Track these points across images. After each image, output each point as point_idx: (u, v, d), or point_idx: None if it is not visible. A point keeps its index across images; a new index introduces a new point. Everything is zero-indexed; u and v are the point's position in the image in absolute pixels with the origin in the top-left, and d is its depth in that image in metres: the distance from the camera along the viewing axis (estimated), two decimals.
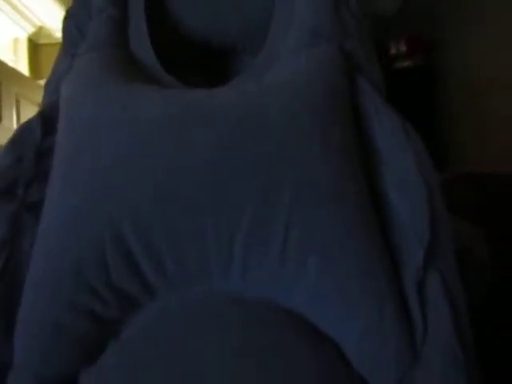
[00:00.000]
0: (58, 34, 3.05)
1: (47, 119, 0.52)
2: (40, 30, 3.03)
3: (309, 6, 0.57)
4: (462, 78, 2.11)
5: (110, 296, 0.42)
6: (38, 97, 2.70)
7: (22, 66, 2.92)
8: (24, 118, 2.54)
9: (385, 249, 0.44)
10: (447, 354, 0.41)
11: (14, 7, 2.74)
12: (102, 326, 0.43)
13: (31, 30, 2.99)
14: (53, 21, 2.99)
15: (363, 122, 0.51)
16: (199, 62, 0.64)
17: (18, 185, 0.49)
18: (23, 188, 0.48)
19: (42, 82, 2.69)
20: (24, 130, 0.53)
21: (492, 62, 1.88)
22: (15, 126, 2.44)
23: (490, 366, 0.45)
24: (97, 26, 0.58)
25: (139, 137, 0.44)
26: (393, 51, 2.20)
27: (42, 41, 3.09)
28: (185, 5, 0.61)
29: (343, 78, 0.51)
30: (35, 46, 3.07)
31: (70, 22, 0.64)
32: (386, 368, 0.42)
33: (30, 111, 2.63)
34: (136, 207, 0.42)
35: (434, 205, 0.46)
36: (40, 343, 0.42)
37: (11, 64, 2.68)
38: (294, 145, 0.44)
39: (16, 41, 2.92)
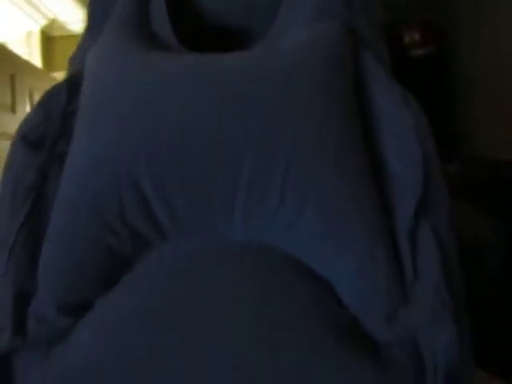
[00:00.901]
0: (70, 26, 3.07)
1: (72, 85, 0.57)
2: (53, 23, 3.05)
3: None
4: (475, 65, 2.09)
5: (124, 233, 0.47)
6: None
7: (35, 58, 2.94)
8: None
9: (379, 197, 0.48)
10: (435, 295, 0.44)
11: (27, 0, 2.76)
12: (117, 260, 0.47)
13: (44, 22, 3.01)
14: (65, 13, 3.01)
15: (365, 90, 0.54)
16: (216, 44, 0.66)
17: (47, 138, 0.54)
18: (51, 141, 0.53)
19: (56, 75, 2.72)
20: (52, 93, 0.57)
21: (506, 50, 1.85)
22: None
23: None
24: (121, 6, 0.62)
25: (156, 93, 0.49)
26: (406, 39, 2.18)
27: (55, 33, 3.11)
28: None
29: (344, 50, 0.54)
30: (48, 39, 3.09)
31: (96, 2, 0.67)
32: (376, 306, 0.45)
33: None
34: (151, 156, 0.46)
35: (430, 167, 0.49)
36: (62, 271, 0.47)
37: (25, 57, 2.71)
38: (294, 101, 0.48)
39: (29, 34, 2.95)
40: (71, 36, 3.12)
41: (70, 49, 2.86)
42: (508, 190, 1.20)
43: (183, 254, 0.47)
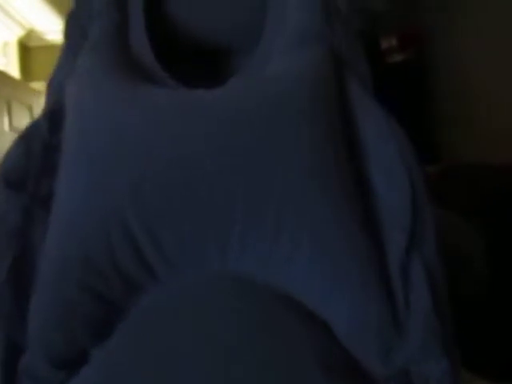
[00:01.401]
0: (48, 36, 3.04)
1: (54, 117, 0.54)
2: (30, 33, 3.01)
3: (298, 6, 0.60)
4: (453, 72, 2.13)
5: (115, 278, 0.45)
6: (29, 99, 2.69)
7: (13, 69, 2.90)
8: (16, 121, 2.54)
9: (370, 234, 0.48)
10: (426, 329, 0.45)
11: (4, 10, 2.72)
12: (109, 307, 0.46)
13: (21, 32, 2.97)
14: (43, 23, 2.98)
15: (349, 115, 0.53)
16: (196, 60, 0.66)
17: (29, 178, 0.51)
18: (33, 181, 0.51)
19: (33, 85, 2.69)
20: (32, 126, 0.55)
21: (484, 55, 1.89)
22: (7, 128, 2.44)
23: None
24: (98, 27, 0.60)
25: (141, 131, 0.47)
26: (384, 46, 2.21)
27: (33, 43, 3.07)
28: (180, 4, 0.65)
29: (329, 77, 0.54)
30: (26, 49, 3.06)
31: (72, 22, 0.65)
32: (370, 343, 0.45)
33: (21, 114, 2.62)
34: (138, 195, 0.45)
35: (417, 193, 0.49)
36: (52, 319, 0.45)
37: (1, 67, 2.67)
38: (283, 134, 0.47)
39: (6, 44, 2.91)
40: (49, 46, 3.09)
41: (48, 59, 2.82)
42: (489, 193, 1.22)
43: (176, 295, 0.46)
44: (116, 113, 0.49)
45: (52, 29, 3.01)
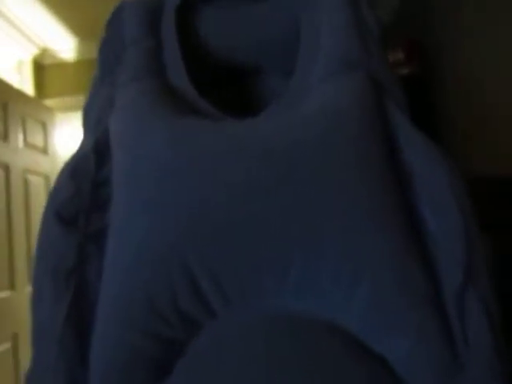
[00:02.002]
0: (61, 54, 3.11)
1: (100, 150, 0.54)
2: (44, 52, 3.08)
3: (333, 32, 0.59)
4: (460, 84, 2.13)
5: (176, 319, 0.46)
6: (43, 116, 2.74)
7: (27, 86, 2.97)
8: (30, 137, 2.59)
9: (427, 270, 0.47)
10: (487, 365, 0.44)
11: (19, 29, 2.80)
12: (169, 347, 0.46)
13: (35, 51, 3.04)
14: (57, 42, 3.05)
15: (394, 144, 0.53)
16: (232, 80, 0.66)
17: (80, 214, 0.51)
18: (84, 217, 0.51)
19: (47, 102, 2.73)
20: (80, 159, 0.55)
21: (491, 68, 1.90)
22: (21, 145, 2.49)
23: None
24: (133, 56, 0.59)
25: (193, 167, 0.48)
26: (391, 59, 2.22)
27: (47, 61, 3.14)
28: (211, 27, 0.65)
29: (374, 105, 0.53)
30: (40, 67, 3.13)
31: (106, 49, 0.64)
32: (430, 381, 0.44)
33: (35, 130, 2.67)
34: (197, 235, 0.46)
35: (468, 224, 0.48)
36: (115, 364, 0.45)
37: (17, 85, 2.73)
38: (339, 172, 0.47)
39: (21, 62, 2.98)
40: (62, 64, 3.15)
41: (61, 76, 2.88)
42: (498, 207, 1.22)
43: (233, 331, 0.47)
44: (167, 152, 0.49)
45: (66, 47, 3.08)
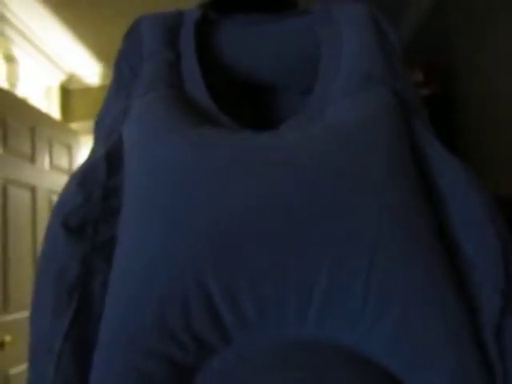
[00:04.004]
0: (87, 79, 3.21)
1: (111, 158, 0.52)
2: (71, 77, 3.19)
3: (356, 49, 0.57)
4: (479, 105, 2.11)
5: (189, 342, 0.42)
6: (69, 139, 2.81)
7: (54, 110, 3.06)
8: (56, 160, 2.66)
9: (462, 296, 0.44)
10: None
11: (48, 57, 2.91)
12: (179, 372, 0.42)
13: (63, 77, 3.15)
14: (83, 68, 3.15)
15: (424, 163, 0.50)
16: (249, 96, 0.64)
17: (88, 223, 0.49)
18: (92, 227, 0.49)
19: (73, 125, 2.81)
20: (89, 167, 0.52)
21: (510, 88, 1.88)
22: (47, 167, 2.55)
23: None
24: (151, 68, 0.58)
25: (215, 179, 0.45)
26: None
27: (73, 86, 3.25)
28: (231, 42, 0.63)
29: (401, 122, 0.50)
30: (66, 92, 3.23)
31: (122, 62, 0.63)
32: None
33: (61, 153, 2.75)
34: (217, 254, 0.42)
35: (506, 248, 0.45)
36: None
37: (44, 109, 2.82)
38: (366, 192, 0.44)
39: (49, 88, 3.08)
40: (87, 89, 3.25)
41: (87, 100, 2.97)
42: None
43: (248, 360, 0.43)
44: (185, 160, 0.46)
45: (91, 72, 3.18)
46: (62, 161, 2.75)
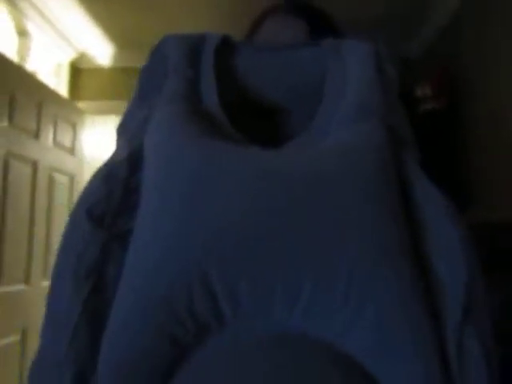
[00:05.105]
0: (98, 60, 3.22)
1: (133, 159, 0.59)
2: (82, 56, 3.19)
3: (357, 80, 0.64)
4: (487, 121, 2.12)
5: (191, 324, 0.48)
6: (75, 118, 2.83)
7: (62, 88, 3.07)
8: (59, 137, 2.67)
9: (429, 309, 0.49)
10: None
11: (60, 33, 2.91)
12: (180, 350, 0.48)
13: (74, 55, 3.15)
14: (95, 47, 3.15)
15: (410, 196, 0.56)
16: (261, 116, 0.71)
17: (108, 215, 0.55)
18: (111, 218, 0.54)
19: (80, 104, 2.82)
20: (114, 165, 0.59)
21: None
22: (51, 143, 2.56)
23: None
24: (173, 83, 0.64)
25: (224, 187, 0.51)
26: (418, 94, 2.23)
27: (83, 65, 3.25)
28: (248, 66, 0.71)
29: (391, 154, 0.56)
30: (76, 71, 3.23)
31: (146, 76, 0.70)
32: None
33: (65, 131, 2.76)
34: (218, 249, 0.48)
35: (473, 277, 0.51)
36: (128, 363, 0.47)
37: (52, 86, 2.82)
38: (352, 206, 0.50)
39: (59, 65, 3.09)
40: (98, 69, 3.26)
41: (96, 80, 2.99)
42: (505, 251, 1.21)
43: (236, 344, 0.49)
44: (197, 169, 0.52)
45: (103, 53, 3.19)
46: (66, 139, 2.76)
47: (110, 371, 0.47)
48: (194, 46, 0.69)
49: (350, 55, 0.67)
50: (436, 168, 2.37)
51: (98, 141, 3.15)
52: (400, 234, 0.51)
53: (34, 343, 2.26)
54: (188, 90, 0.63)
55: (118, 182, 0.57)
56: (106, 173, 0.58)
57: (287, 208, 0.50)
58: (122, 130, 0.67)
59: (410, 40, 2.81)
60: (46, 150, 2.52)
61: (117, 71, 3.19)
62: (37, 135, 2.44)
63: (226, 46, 0.71)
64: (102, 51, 3.19)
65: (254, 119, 0.70)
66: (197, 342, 0.49)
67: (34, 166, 2.39)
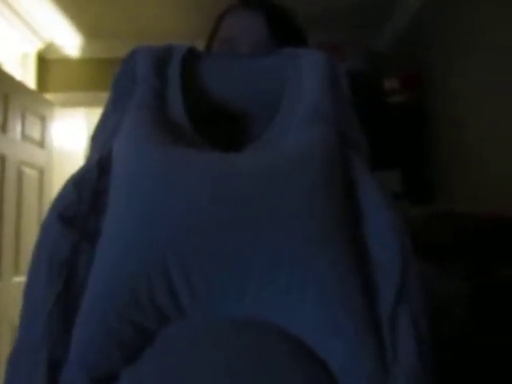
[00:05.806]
0: (66, 50, 3.15)
1: (102, 164, 0.64)
2: (49, 46, 3.12)
3: (311, 87, 0.71)
4: (451, 115, 2.18)
5: (152, 312, 0.54)
6: (43, 109, 2.77)
7: (30, 79, 2.99)
8: (28, 130, 2.61)
9: (365, 287, 0.56)
10: (411, 373, 0.53)
11: (26, 22, 2.83)
12: (142, 335, 0.54)
13: (40, 45, 3.08)
14: (62, 37, 3.09)
15: (352, 189, 0.63)
16: (224, 121, 0.77)
17: (79, 217, 0.60)
18: (82, 219, 0.60)
19: (48, 96, 2.75)
20: (84, 171, 0.64)
21: (482, 101, 1.95)
22: (19, 137, 2.51)
23: None
24: (140, 91, 0.70)
25: (183, 185, 0.56)
26: (386, 86, 2.28)
27: (50, 56, 3.18)
28: (212, 75, 0.76)
29: (337, 151, 0.64)
30: (43, 61, 3.16)
31: (119, 82, 0.75)
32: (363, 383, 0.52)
33: (34, 124, 2.70)
34: (177, 248, 0.54)
35: (407, 260, 0.58)
36: (95, 346, 0.53)
37: (19, 78, 2.75)
38: (297, 198, 0.57)
39: (25, 56, 3.01)
40: (65, 60, 3.19)
41: (64, 72, 2.92)
42: (472, 240, 1.26)
43: (197, 328, 0.54)
44: (159, 170, 0.58)
45: (71, 43, 3.12)
46: (35, 132, 2.70)
47: (80, 352, 0.52)
48: (161, 57, 0.74)
49: (308, 64, 0.74)
50: (402, 162, 2.42)
51: (67, 133, 3.10)
52: (339, 224, 0.58)
53: (5, 337, 2.23)
54: (154, 99, 0.69)
55: (88, 186, 0.62)
56: (78, 178, 0.63)
57: (238, 205, 0.55)
58: (94, 139, 0.73)
59: (378, 32, 2.85)
60: (14, 143, 2.47)
61: (85, 62, 3.14)
62: (4, 128, 2.39)
63: (192, 56, 0.76)
64: (69, 41, 3.12)
65: (220, 125, 0.75)
66: (159, 329, 0.54)
67: (2, 160, 2.34)
